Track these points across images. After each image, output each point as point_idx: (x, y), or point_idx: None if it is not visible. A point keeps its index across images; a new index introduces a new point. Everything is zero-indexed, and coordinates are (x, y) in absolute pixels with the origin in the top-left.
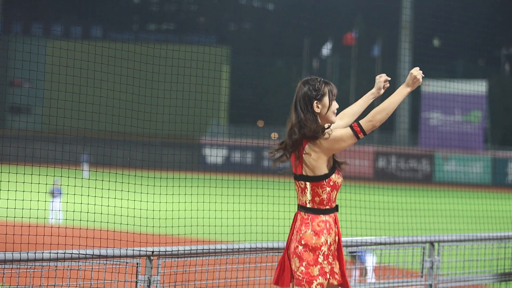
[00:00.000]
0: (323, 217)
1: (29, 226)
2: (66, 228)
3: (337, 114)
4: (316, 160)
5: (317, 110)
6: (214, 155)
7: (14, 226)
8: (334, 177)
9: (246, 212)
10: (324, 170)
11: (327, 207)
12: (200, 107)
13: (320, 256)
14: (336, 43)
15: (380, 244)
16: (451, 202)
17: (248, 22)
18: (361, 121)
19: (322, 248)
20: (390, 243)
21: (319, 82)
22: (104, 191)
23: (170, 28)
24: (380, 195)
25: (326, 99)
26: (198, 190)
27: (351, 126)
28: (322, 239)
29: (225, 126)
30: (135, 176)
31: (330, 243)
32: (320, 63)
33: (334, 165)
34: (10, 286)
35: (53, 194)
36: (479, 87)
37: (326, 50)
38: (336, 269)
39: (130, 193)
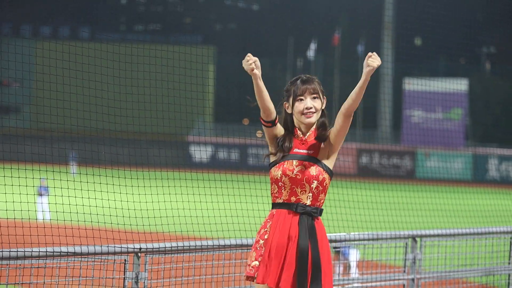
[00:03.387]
0: (270, 210)
1: (15, 223)
2: (52, 227)
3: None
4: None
5: (288, 110)
6: (201, 152)
7: (0, 224)
8: (272, 170)
9: (232, 209)
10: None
11: (273, 201)
12: (185, 105)
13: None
14: (320, 43)
15: (363, 239)
16: (433, 197)
17: (233, 22)
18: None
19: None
20: (373, 239)
21: (290, 82)
22: (92, 188)
23: (156, 28)
24: (364, 190)
25: (290, 100)
26: (185, 187)
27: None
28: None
29: (211, 123)
30: (124, 173)
31: (258, 233)
32: (304, 63)
33: (278, 159)
34: (0, 284)
35: (40, 193)
36: (460, 85)
37: (312, 50)
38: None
39: (117, 190)
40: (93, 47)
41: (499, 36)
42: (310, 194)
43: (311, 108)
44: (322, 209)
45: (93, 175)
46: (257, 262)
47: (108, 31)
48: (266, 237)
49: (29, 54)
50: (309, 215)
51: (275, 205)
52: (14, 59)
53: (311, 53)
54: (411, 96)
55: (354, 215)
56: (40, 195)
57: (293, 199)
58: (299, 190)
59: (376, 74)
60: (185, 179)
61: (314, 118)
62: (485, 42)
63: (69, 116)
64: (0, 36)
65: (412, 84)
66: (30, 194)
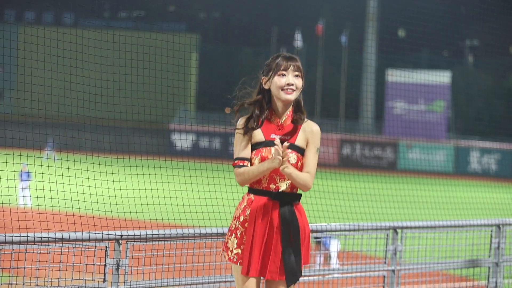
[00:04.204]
0: (247, 194)
1: None
2: (33, 212)
3: None
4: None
5: (265, 85)
6: (183, 141)
7: None
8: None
9: (213, 198)
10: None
11: (250, 186)
12: (167, 93)
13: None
14: (304, 33)
15: (344, 230)
16: (414, 189)
17: (217, 11)
18: (238, 168)
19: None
20: (354, 229)
21: (272, 57)
22: (74, 175)
23: (140, 16)
24: (345, 181)
25: (270, 74)
26: (166, 175)
27: (236, 159)
28: (236, 213)
29: (193, 112)
30: (105, 160)
31: (236, 219)
32: (288, 52)
33: (254, 146)
34: None
35: (21, 178)
36: (443, 77)
37: (298, 41)
38: (235, 250)
39: (99, 177)
40: (75, 33)
41: (482, 29)
42: (289, 181)
43: (292, 84)
44: (301, 194)
45: (74, 161)
46: (239, 250)
47: (91, 17)
48: (246, 225)
49: (10, 39)
50: (289, 203)
51: (252, 191)
52: None
53: (298, 43)
54: (393, 88)
55: (335, 206)
56: (21, 180)
57: (272, 186)
58: (278, 178)
59: (359, 65)
60: (166, 167)
61: (293, 95)
62: (468, 35)
63: (50, 102)
64: None
65: (394, 76)
66: (11, 179)
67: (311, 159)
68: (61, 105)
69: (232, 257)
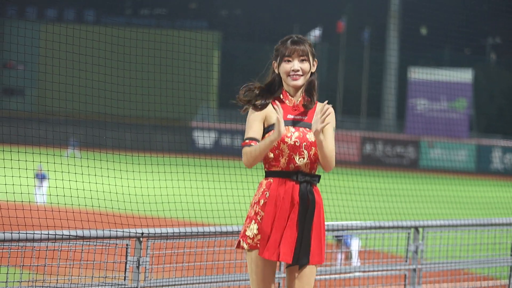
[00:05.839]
0: (265, 179)
1: (15, 205)
2: (53, 210)
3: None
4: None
5: (276, 70)
6: (205, 138)
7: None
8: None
9: (234, 196)
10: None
11: (268, 169)
12: (190, 91)
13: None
14: (325, 30)
15: (366, 228)
16: (436, 188)
17: (239, 8)
18: (246, 147)
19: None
20: (375, 228)
21: (281, 41)
22: (95, 173)
23: (162, 13)
24: (367, 179)
25: (278, 59)
26: (188, 173)
27: (246, 139)
28: (254, 198)
29: (215, 109)
30: (126, 158)
31: (256, 204)
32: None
33: (270, 128)
34: (1, 266)
35: (39, 179)
36: (465, 75)
37: (314, 37)
38: (251, 234)
39: (120, 175)
40: (97, 31)
41: (505, 26)
42: (308, 161)
43: (298, 70)
44: (320, 176)
45: (94, 159)
46: (260, 236)
47: (113, 15)
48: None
49: (32, 37)
50: (309, 183)
51: (271, 173)
52: (19, 42)
53: (311, 39)
54: (415, 86)
55: (357, 202)
56: (39, 179)
57: (291, 166)
58: (298, 157)
59: (381, 62)
60: (187, 165)
61: (300, 81)
62: (490, 33)
63: (71, 100)
64: (5, 18)
65: (417, 73)
66: (30, 178)
67: (330, 139)
68: (83, 103)
69: (254, 244)
